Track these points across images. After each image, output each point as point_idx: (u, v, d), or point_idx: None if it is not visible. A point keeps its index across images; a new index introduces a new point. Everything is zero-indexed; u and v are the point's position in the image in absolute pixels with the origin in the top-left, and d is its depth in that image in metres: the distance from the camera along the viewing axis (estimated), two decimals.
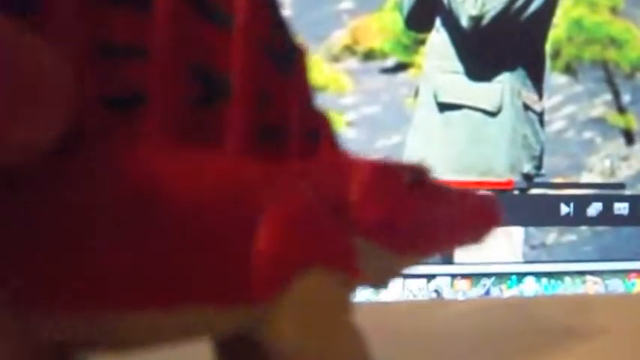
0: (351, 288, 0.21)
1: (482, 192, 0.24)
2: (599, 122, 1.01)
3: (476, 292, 0.95)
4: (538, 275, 0.97)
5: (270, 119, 0.21)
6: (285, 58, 0.21)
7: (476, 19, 0.95)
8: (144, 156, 0.18)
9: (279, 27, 0.21)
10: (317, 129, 0.22)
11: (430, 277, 0.95)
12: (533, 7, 0.96)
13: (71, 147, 0.18)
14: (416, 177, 0.22)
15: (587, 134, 1.01)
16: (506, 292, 0.96)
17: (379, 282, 0.24)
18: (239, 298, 0.19)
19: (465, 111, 0.96)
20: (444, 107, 0.96)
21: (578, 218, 0.99)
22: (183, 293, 0.18)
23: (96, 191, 0.18)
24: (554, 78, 1.00)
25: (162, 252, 0.18)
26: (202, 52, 0.20)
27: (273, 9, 0.21)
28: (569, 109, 1.01)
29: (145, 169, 0.18)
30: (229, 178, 0.19)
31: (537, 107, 0.98)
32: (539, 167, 0.99)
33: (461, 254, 0.93)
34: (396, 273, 0.23)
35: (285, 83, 0.21)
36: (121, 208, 0.18)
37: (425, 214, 0.22)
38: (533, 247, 0.98)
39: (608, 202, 1.00)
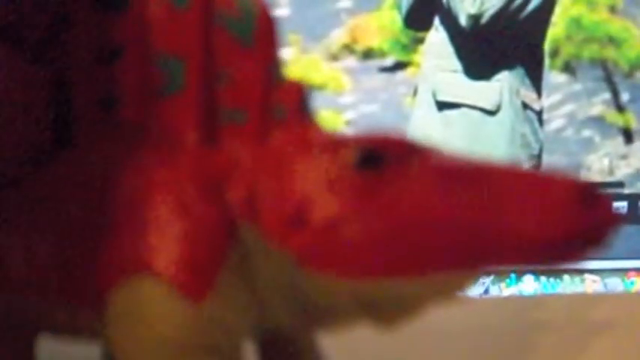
0: (199, 306, 0.17)
1: (563, 174, 0.16)
2: (597, 121, 1.01)
3: (475, 290, 0.95)
4: (537, 273, 0.97)
5: (226, 100, 0.19)
6: (242, 26, 0.19)
7: (475, 18, 0.95)
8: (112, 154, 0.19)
9: None
10: (282, 104, 0.19)
11: None
12: (531, 6, 0.96)
13: (67, 146, 0.19)
14: (368, 154, 0.16)
15: (586, 133, 1.01)
16: (505, 290, 0.96)
17: (335, 318, 0.18)
18: (85, 299, 0.18)
19: (463, 110, 0.96)
20: (442, 106, 0.96)
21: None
22: (65, 290, 0.19)
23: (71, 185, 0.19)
24: (553, 77, 1.00)
25: (63, 249, 0.18)
26: (164, 38, 0.19)
27: None
28: (568, 108, 1.01)
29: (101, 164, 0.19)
30: (107, 172, 0.18)
31: (536, 106, 0.98)
32: (538, 166, 0.99)
33: None
34: (373, 307, 0.17)
35: (245, 54, 0.19)
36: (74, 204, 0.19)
37: (382, 210, 0.16)
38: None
39: None
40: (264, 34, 0.19)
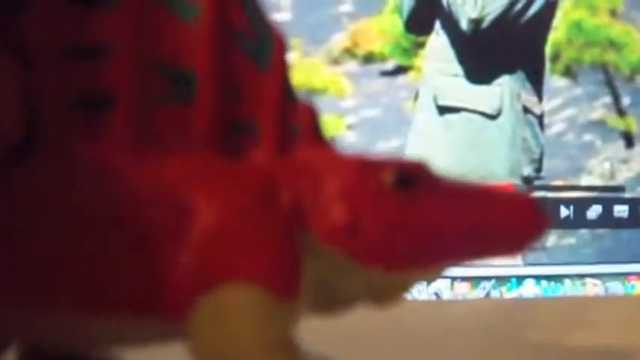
0: (289, 306, 0.19)
1: (517, 191, 0.21)
2: (598, 125, 1.01)
3: (476, 294, 0.95)
4: (538, 278, 0.97)
5: (240, 113, 0.20)
6: (259, 49, 0.20)
7: (476, 22, 0.95)
8: (99, 157, 0.19)
9: (252, 16, 0.20)
10: (296, 122, 0.21)
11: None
12: (532, 10, 0.96)
13: (29, 149, 0.19)
14: (401, 176, 0.20)
15: (587, 137, 1.01)
16: (506, 294, 0.96)
17: (346, 304, 0.21)
18: (149, 310, 0.18)
19: (464, 114, 0.96)
20: (443, 110, 0.96)
21: (578, 221, 0.99)
22: (98, 297, 0.18)
23: (44, 191, 0.19)
24: (553, 81, 1.00)
25: (82, 252, 0.18)
26: (166, 47, 0.19)
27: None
28: (568, 112, 1.01)
29: (97, 170, 0.19)
30: (158, 180, 0.19)
31: (537, 110, 0.98)
32: (538, 170, 0.99)
33: None
34: (379, 292, 0.20)
35: (260, 74, 0.20)
36: (56, 208, 0.18)
37: (414, 219, 0.20)
38: (532, 250, 0.98)
39: (607, 204, 1.00)
40: (279, 59, 0.21)
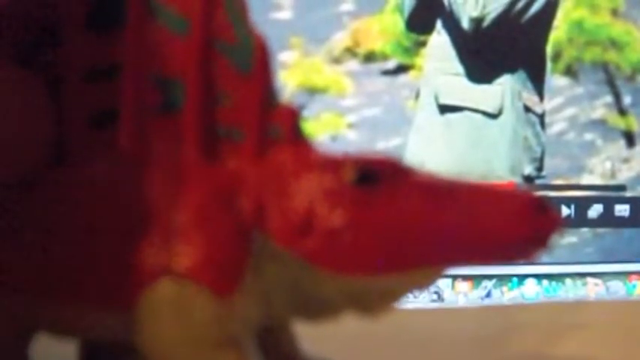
0: (225, 304, 0.19)
1: (517, 189, 0.19)
2: (600, 124, 1.01)
3: (477, 293, 0.95)
4: (539, 277, 0.97)
5: (224, 119, 0.20)
6: (241, 54, 0.21)
7: (477, 21, 0.95)
8: (102, 170, 0.20)
9: (235, 21, 0.21)
10: (277, 125, 0.21)
11: None
12: (533, 9, 0.96)
13: (57, 164, 0.21)
14: (364, 173, 0.19)
15: (588, 136, 1.01)
16: (507, 293, 0.96)
17: (328, 311, 0.20)
18: (114, 302, 0.20)
19: (465, 113, 0.96)
20: (444, 109, 0.96)
21: (579, 220, 0.99)
22: (79, 291, 0.20)
23: (62, 200, 0.20)
24: (554, 80, 1.00)
25: (81, 253, 0.20)
26: (159, 60, 0.20)
27: (229, 5, 0.21)
28: (570, 111, 1.01)
29: (97, 183, 0.20)
30: (142, 190, 0.20)
31: (538, 109, 0.98)
32: (540, 169, 0.99)
33: None
34: (361, 300, 0.20)
35: (241, 79, 0.21)
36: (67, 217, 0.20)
37: (374, 219, 0.18)
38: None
39: (609, 203, 1.00)
40: (260, 63, 0.21)
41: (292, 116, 0.21)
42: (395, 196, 0.19)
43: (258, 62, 0.21)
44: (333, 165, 0.20)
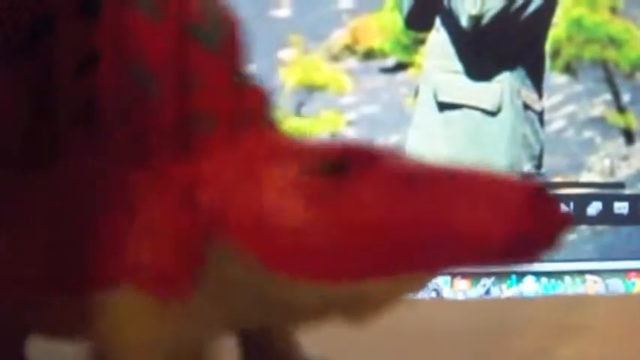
0: (173, 309, 0.18)
1: (519, 179, 0.16)
2: (598, 122, 1.01)
3: (475, 291, 0.95)
4: (538, 275, 0.97)
5: (196, 103, 0.19)
6: (210, 33, 0.20)
7: (476, 19, 0.95)
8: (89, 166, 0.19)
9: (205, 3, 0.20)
10: (247, 107, 0.19)
11: None
12: (533, 7, 0.96)
13: (48, 159, 0.20)
14: (333, 162, 0.17)
15: (587, 134, 1.01)
16: (506, 291, 0.96)
17: (279, 317, 0.19)
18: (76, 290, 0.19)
19: (464, 110, 0.96)
20: (443, 107, 0.96)
21: (578, 217, 0.99)
22: (67, 282, 0.19)
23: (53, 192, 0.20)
24: (553, 77, 1.00)
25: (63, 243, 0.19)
26: (135, 47, 0.19)
27: None
28: (568, 109, 1.01)
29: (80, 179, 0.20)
30: (118, 186, 0.19)
31: (537, 107, 0.98)
32: (539, 167, 0.99)
33: None
34: (341, 306, 0.17)
35: (209, 58, 0.19)
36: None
37: (339, 216, 0.16)
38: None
39: (608, 201, 1.00)
40: (229, 40, 0.19)
41: (263, 99, 0.20)
42: (364, 187, 0.16)
43: (227, 39, 0.20)
44: (297, 154, 0.17)
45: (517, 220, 0.16)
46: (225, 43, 0.19)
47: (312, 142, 0.18)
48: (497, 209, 0.16)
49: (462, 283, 0.95)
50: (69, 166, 0.20)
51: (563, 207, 0.15)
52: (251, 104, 0.19)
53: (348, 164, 0.17)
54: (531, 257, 0.16)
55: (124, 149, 0.19)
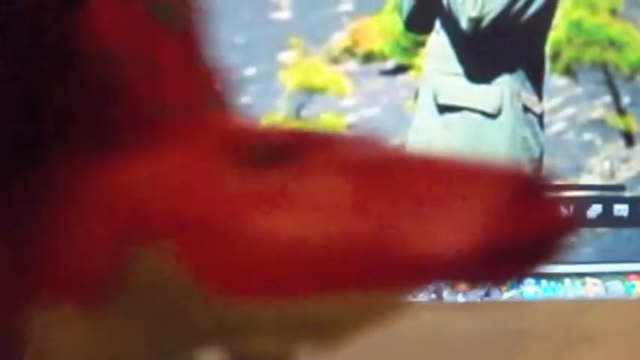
0: (89, 315, 0.16)
1: (508, 165, 0.13)
2: (598, 124, 1.01)
3: (475, 293, 0.95)
4: (537, 277, 0.97)
5: (158, 90, 0.18)
6: (170, 10, 0.18)
7: (476, 21, 0.95)
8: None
9: None
10: (207, 88, 0.18)
11: None
12: (532, 9, 0.96)
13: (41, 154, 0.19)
14: (269, 149, 0.14)
15: (587, 136, 1.01)
16: (505, 293, 0.96)
17: (202, 338, 0.16)
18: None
19: (464, 113, 0.96)
20: (443, 109, 0.96)
21: (578, 220, 0.99)
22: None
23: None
24: (553, 80, 1.00)
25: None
26: (104, 33, 0.18)
27: None
28: (568, 111, 1.01)
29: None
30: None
31: (537, 109, 0.98)
32: (539, 169, 0.99)
33: None
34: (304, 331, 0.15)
35: (170, 40, 0.18)
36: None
37: (272, 217, 0.13)
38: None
39: (608, 203, 1.00)
40: (191, 21, 0.18)
41: (221, 81, 0.18)
42: (302, 184, 0.13)
43: (188, 21, 0.18)
44: (233, 146, 0.15)
45: (494, 226, 0.12)
46: (187, 24, 0.18)
47: (259, 129, 0.16)
48: (471, 212, 0.12)
49: (461, 285, 0.95)
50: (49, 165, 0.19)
51: (563, 209, 0.11)
52: (210, 88, 0.18)
53: (285, 153, 0.14)
54: (516, 272, 0.13)
55: (84, 142, 0.18)
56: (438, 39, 0.97)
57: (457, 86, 0.96)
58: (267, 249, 0.13)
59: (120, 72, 0.17)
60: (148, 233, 0.15)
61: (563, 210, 0.12)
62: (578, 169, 1.00)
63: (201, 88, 0.18)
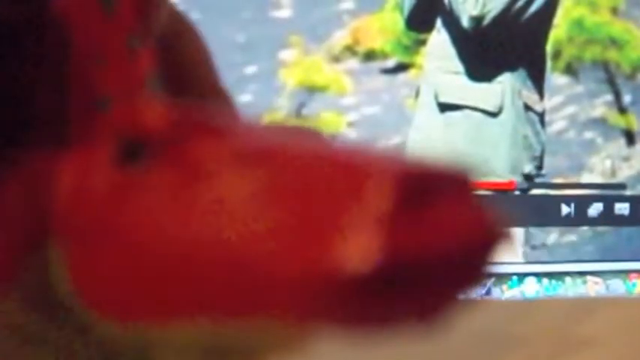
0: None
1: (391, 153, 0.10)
2: (599, 123, 1.01)
3: (477, 291, 0.95)
4: (539, 275, 0.97)
5: (100, 80, 0.16)
6: None
7: (477, 20, 0.95)
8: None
9: None
10: (148, 72, 0.16)
11: None
12: (534, 8, 0.96)
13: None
14: (132, 148, 0.12)
15: (588, 135, 1.01)
16: (507, 292, 0.96)
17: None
18: None
19: (465, 111, 0.96)
20: (444, 108, 0.96)
21: (579, 218, 0.99)
22: None
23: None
24: (554, 78, 1.00)
25: None
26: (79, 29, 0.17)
27: None
28: (569, 110, 1.01)
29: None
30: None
31: (538, 107, 0.98)
32: (540, 167, 0.99)
33: None
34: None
35: (107, 21, 0.16)
36: None
37: (129, 224, 0.12)
38: (534, 248, 0.98)
39: (609, 202, 1.00)
40: (126, 2, 0.16)
41: (152, 66, 0.16)
42: (166, 189, 0.11)
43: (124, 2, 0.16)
44: (100, 138, 0.13)
45: (363, 242, 0.09)
46: (121, 2, 0.16)
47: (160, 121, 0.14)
48: (333, 222, 0.09)
49: None
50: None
51: (494, 209, 0.08)
52: (142, 73, 0.16)
53: (150, 147, 0.12)
54: (405, 308, 0.09)
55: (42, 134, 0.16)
56: (439, 37, 0.96)
57: (458, 85, 0.96)
58: (144, 257, 0.11)
59: (70, 56, 0.16)
60: (43, 235, 0.14)
61: (490, 214, 0.08)
62: (579, 168, 1.00)
63: (135, 76, 0.16)
